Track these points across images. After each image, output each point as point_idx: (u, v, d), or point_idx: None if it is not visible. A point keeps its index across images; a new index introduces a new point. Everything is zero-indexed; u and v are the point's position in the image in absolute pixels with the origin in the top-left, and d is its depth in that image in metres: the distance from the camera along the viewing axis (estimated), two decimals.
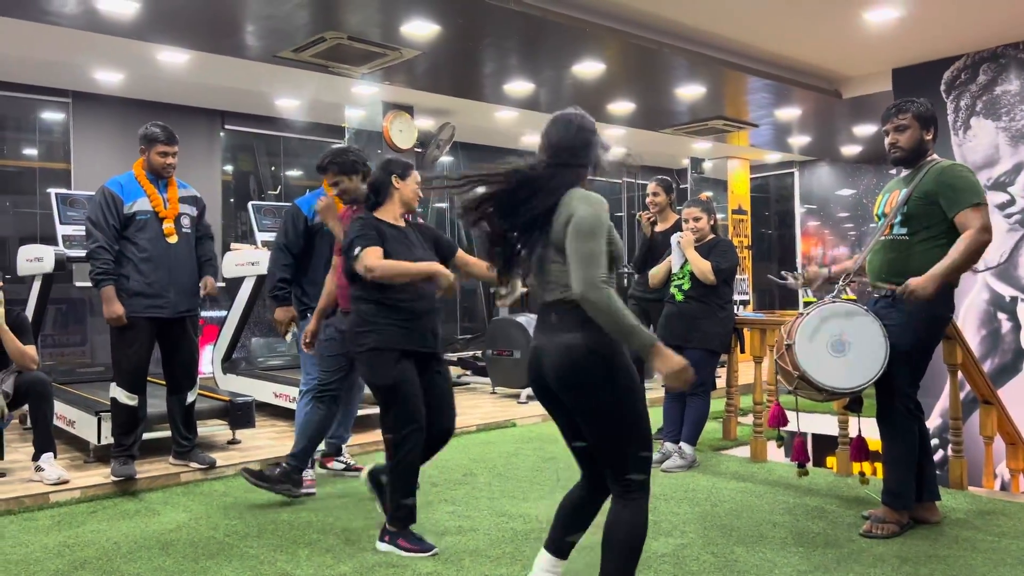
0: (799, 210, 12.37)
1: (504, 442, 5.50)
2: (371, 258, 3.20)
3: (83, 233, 4.62)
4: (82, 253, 4.74)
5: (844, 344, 3.38)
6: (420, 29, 5.53)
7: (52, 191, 6.22)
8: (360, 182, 4.01)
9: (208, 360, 6.84)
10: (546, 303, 2.40)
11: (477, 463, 4.86)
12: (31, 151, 7.72)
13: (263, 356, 7.90)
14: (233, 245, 6.92)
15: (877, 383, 3.39)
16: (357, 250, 3.23)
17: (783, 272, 3.83)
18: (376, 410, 3.70)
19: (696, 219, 4.73)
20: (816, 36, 6.26)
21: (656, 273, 4.94)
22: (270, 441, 5.33)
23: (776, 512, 3.79)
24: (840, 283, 3.61)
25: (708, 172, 11.69)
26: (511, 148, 10.23)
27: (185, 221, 4.50)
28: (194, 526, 3.70)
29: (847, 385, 3.38)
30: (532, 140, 9.57)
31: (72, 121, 7.54)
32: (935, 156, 3.52)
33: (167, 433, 4.68)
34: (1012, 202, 6.12)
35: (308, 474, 4.21)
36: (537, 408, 6.53)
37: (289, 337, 4.36)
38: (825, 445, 6.09)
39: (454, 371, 7.63)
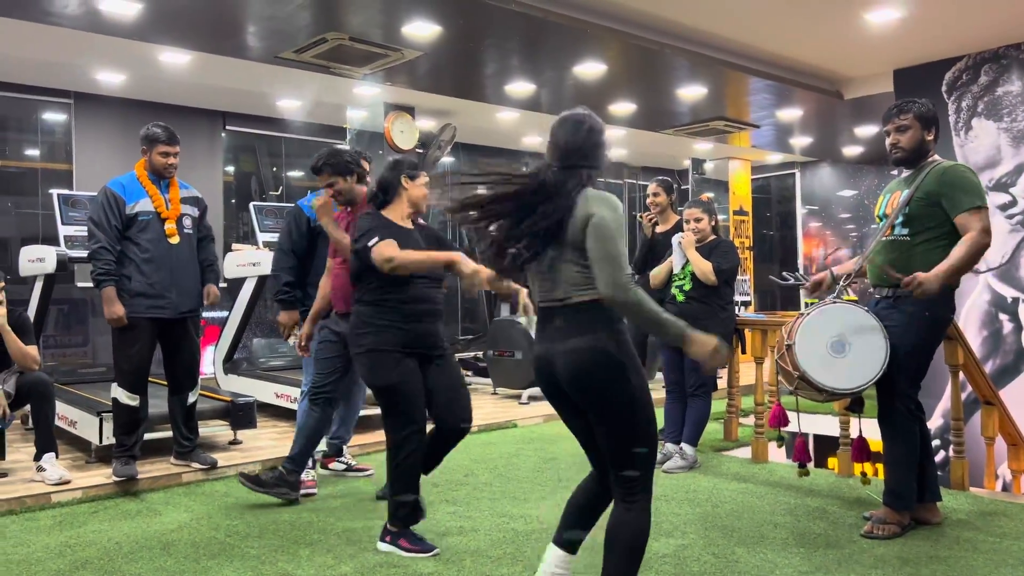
0: (800, 211, 12.37)
1: (505, 443, 5.50)
2: (390, 248, 3.16)
3: (85, 234, 4.62)
4: (84, 254, 4.74)
5: (844, 345, 3.38)
6: (421, 30, 5.53)
7: (54, 192, 6.23)
8: (354, 183, 4.01)
9: (209, 360, 6.85)
10: (549, 306, 2.39)
11: (478, 463, 4.87)
12: (33, 152, 7.73)
13: (264, 356, 7.90)
14: (235, 246, 6.93)
15: (878, 384, 3.39)
16: (374, 240, 3.18)
17: (784, 273, 3.84)
18: (378, 411, 3.70)
19: (697, 220, 4.73)
20: (817, 37, 6.26)
21: (657, 274, 4.94)
22: (271, 442, 5.33)
23: (777, 513, 3.79)
24: (841, 284, 3.61)
25: (709, 173, 11.69)
26: (512, 149, 10.25)
27: (187, 222, 4.50)
28: (195, 526, 3.70)
29: (847, 386, 3.38)
30: (533, 141, 9.61)
31: (74, 122, 7.55)
32: (936, 157, 3.52)
33: (168, 433, 4.68)
34: (1014, 203, 6.12)
35: (309, 475, 4.22)
36: (538, 409, 6.53)
37: (292, 340, 4.35)
38: (826, 446, 6.09)
39: None
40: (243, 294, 6.35)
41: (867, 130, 9.35)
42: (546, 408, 6.35)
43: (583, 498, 2.52)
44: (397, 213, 3.40)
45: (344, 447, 4.69)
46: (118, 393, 4.34)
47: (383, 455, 3.42)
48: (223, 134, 8.52)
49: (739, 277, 7.97)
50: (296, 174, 9.44)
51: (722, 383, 5.59)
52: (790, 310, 11.09)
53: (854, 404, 3.58)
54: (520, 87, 7.09)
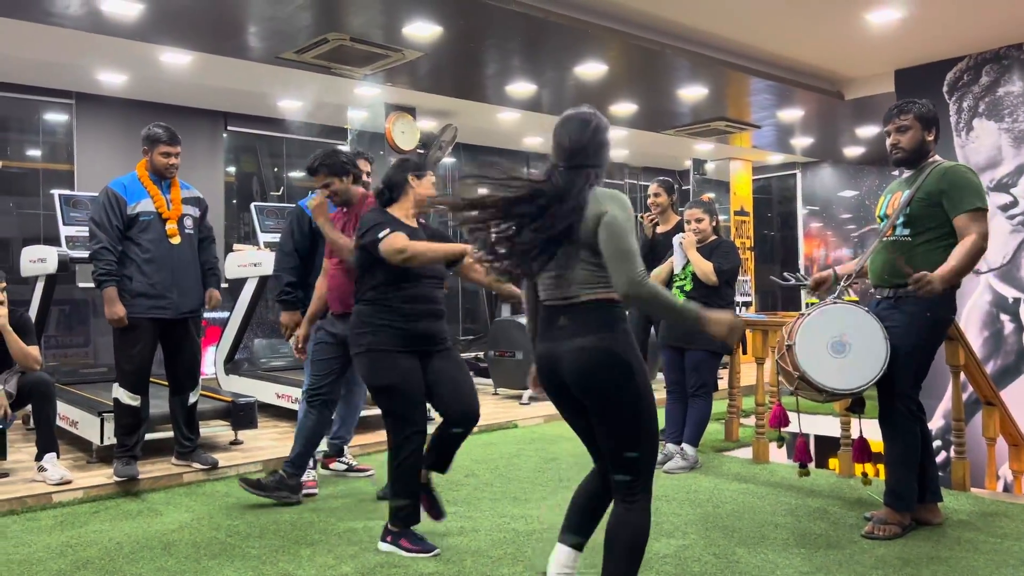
0: (801, 211, 12.37)
1: (506, 443, 5.50)
2: (401, 239, 3.16)
3: (86, 234, 4.63)
4: (85, 254, 4.75)
5: (845, 345, 3.38)
6: (422, 30, 5.53)
7: (55, 192, 6.23)
8: (350, 184, 4.01)
9: (210, 361, 6.85)
10: (555, 304, 2.39)
11: (479, 464, 4.87)
12: (34, 152, 7.74)
13: (265, 357, 7.90)
14: (236, 246, 6.94)
15: (878, 384, 3.39)
16: (384, 232, 3.17)
17: (785, 273, 3.84)
18: (378, 411, 3.70)
19: (698, 220, 4.73)
20: (818, 37, 6.26)
21: (658, 274, 4.94)
22: (272, 442, 5.33)
23: (778, 513, 3.79)
24: (842, 284, 3.61)
25: (710, 173, 11.69)
26: (513, 149, 10.25)
27: (188, 222, 4.51)
28: (196, 526, 3.70)
29: (847, 386, 3.38)
30: (534, 141, 9.62)
31: (75, 122, 7.56)
32: (937, 157, 3.52)
33: (169, 434, 4.69)
34: (1015, 203, 6.12)
35: (310, 475, 4.22)
36: (539, 409, 6.53)
37: (293, 341, 4.36)
38: (827, 446, 6.10)
39: None
40: (244, 294, 6.36)
41: (868, 130, 9.35)
42: (547, 408, 6.34)
43: (584, 499, 2.52)
44: (402, 211, 3.41)
45: (345, 447, 4.69)
46: (119, 393, 4.35)
47: (384, 455, 3.43)
48: (224, 134, 8.53)
49: (740, 277, 7.97)
50: (297, 175, 9.44)
51: (723, 383, 5.59)
52: (791, 310, 11.09)
53: (855, 405, 3.58)
54: (521, 87, 7.09)
